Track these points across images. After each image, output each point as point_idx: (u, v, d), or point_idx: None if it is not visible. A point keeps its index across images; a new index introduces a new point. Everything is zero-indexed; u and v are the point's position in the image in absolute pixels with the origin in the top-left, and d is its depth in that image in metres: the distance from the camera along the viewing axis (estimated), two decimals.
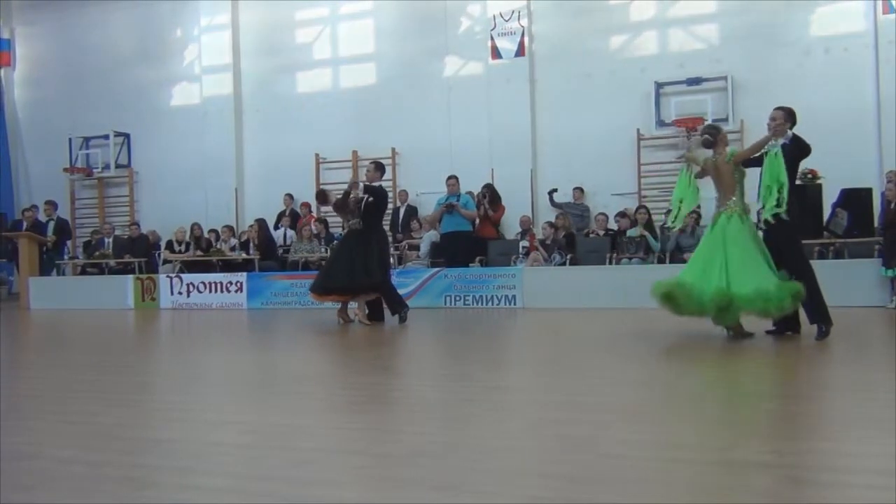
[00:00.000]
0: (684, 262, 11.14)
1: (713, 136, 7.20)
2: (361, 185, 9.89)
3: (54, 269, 15.75)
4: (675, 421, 3.81)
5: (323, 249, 13.85)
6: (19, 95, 18.93)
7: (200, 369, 6.32)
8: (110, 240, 15.37)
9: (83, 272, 15.40)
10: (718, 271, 6.71)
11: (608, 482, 2.79)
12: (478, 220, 13.11)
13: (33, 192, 18.11)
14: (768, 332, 6.89)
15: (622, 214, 12.46)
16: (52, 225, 15.99)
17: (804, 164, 10.08)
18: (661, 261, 11.62)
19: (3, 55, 18.58)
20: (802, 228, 7.47)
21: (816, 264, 9.75)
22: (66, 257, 16.09)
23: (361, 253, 9.36)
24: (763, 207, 6.78)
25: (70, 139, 17.61)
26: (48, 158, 17.85)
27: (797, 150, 6.74)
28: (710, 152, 7.17)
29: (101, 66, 17.62)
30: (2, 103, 18.72)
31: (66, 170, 17.56)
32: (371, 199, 9.57)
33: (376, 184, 9.76)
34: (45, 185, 17.87)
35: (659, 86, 13.46)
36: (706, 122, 8.67)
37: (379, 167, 9.97)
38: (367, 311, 9.60)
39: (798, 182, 9.69)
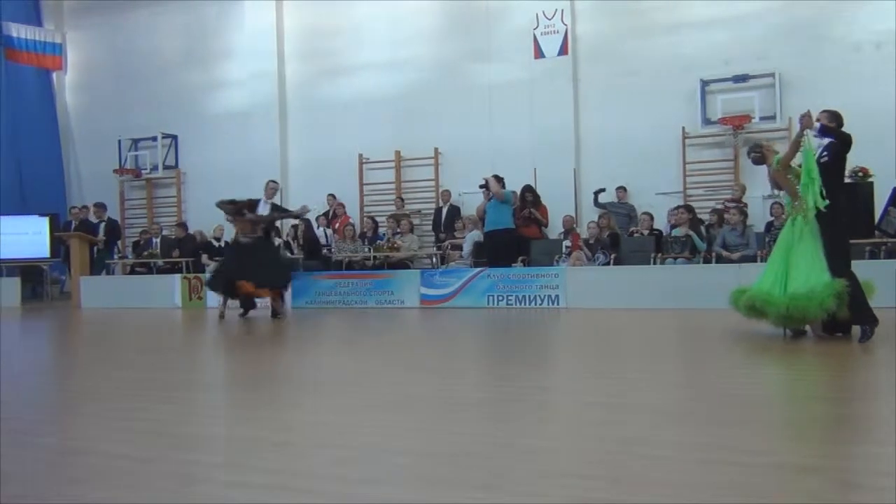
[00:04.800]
0: (732, 261, 11.08)
1: (759, 151, 7.33)
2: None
3: (104, 269, 16.08)
4: (721, 423, 3.76)
5: (366, 249, 13.94)
6: (70, 99, 19.36)
7: (247, 367, 6.40)
8: (158, 240, 15.64)
9: (132, 272, 15.69)
10: (774, 276, 6.77)
11: (651, 484, 2.77)
12: (515, 209, 13.00)
13: (84, 194, 18.50)
14: (818, 335, 6.78)
15: (687, 208, 12.13)
16: (102, 226, 16.34)
17: (854, 162, 9.93)
18: (706, 260, 11.47)
19: (55, 59, 19.01)
20: (853, 228, 7.35)
21: (868, 264, 9.63)
22: (115, 257, 16.41)
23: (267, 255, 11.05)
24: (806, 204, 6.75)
25: (119, 141, 17.96)
26: (98, 160, 18.21)
27: (838, 142, 6.65)
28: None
29: (149, 69, 17.94)
30: (54, 107, 19.17)
31: (115, 171, 17.92)
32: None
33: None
34: (96, 186, 18.24)
35: (704, 83, 13.29)
36: (753, 143, 8.52)
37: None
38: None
39: (848, 180, 9.52)
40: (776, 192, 7.26)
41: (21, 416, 4.35)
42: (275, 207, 11.52)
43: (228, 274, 11.08)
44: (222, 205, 11.32)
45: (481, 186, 12.80)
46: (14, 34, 18.31)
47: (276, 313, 11.11)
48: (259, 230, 11.24)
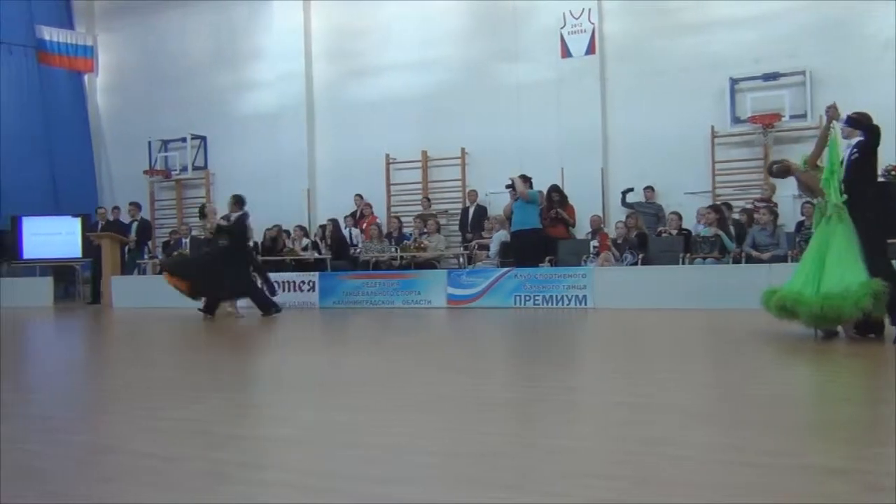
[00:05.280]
0: (762, 261, 10.96)
1: (778, 162, 7.44)
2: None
3: (136, 269, 16.26)
4: (749, 424, 3.72)
5: (393, 249, 13.97)
6: (101, 101, 19.63)
7: (274, 367, 6.44)
8: (188, 240, 15.78)
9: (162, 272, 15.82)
10: (805, 276, 6.64)
11: (677, 485, 2.75)
12: (542, 209, 12.93)
13: (116, 194, 18.73)
14: (850, 336, 6.68)
15: (715, 209, 12.03)
16: (135, 225, 16.53)
17: (887, 160, 9.77)
18: (736, 261, 11.37)
19: (87, 62, 19.27)
20: (887, 227, 7.22)
21: None
22: (146, 257, 16.59)
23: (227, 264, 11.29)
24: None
25: (149, 142, 18.17)
26: (129, 161, 18.45)
27: (867, 136, 6.55)
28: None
29: (179, 70, 18.14)
30: (86, 109, 19.44)
31: (145, 172, 18.14)
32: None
33: (235, 215, 11.67)
34: (127, 187, 18.48)
35: (734, 82, 13.18)
36: (769, 163, 8.51)
37: (237, 201, 11.84)
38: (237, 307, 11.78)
39: (881, 179, 9.39)
40: (812, 198, 7.16)
41: (54, 415, 4.41)
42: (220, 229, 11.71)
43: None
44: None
45: (507, 187, 12.77)
46: (46, 37, 18.59)
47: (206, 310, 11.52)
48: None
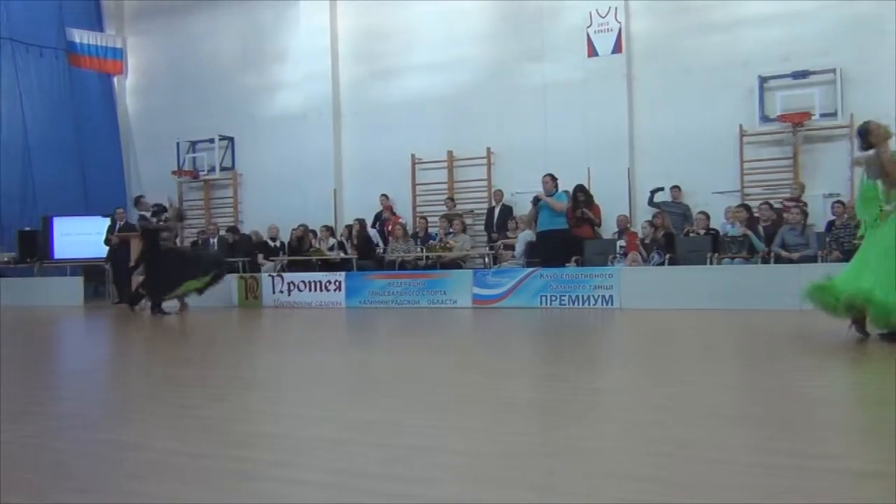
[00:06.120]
0: (792, 261, 10.83)
1: (867, 131, 6.75)
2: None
3: None
4: (779, 426, 3.67)
5: (419, 249, 13.98)
6: (131, 103, 19.82)
7: (300, 366, 6.46)
8: (215, 240, 15.89)
9: None
10: (875, 275, 6.36)
11: (705, 487, 2.71)
12: (568, 210, 12.85)
13: (145, 195, 18.87)
14: (881, 336, 6.57)
15: (767, 206, 11.90)
16: None
17: None
18: (765, 261, 11.25)
19: (116, 64, 19.47)
20: None
21: None
22: None
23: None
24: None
25: (178, 143, 18.33)
26: (158, 162, 18.63)
27: None
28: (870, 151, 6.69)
29: (207, 72, 18.27)
30: (115, 110, 19.64)
31: (174, 173, 18.29)
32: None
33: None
34: (156, 187, 18.60)
35: (763, 80, 13.03)
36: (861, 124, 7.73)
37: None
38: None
39: None
40: (873, 177, 6.73)
41: (81, 412, 4.45)
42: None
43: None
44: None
45: (533, 204, 12.67)
46: (77, 40, 18.81)
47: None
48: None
